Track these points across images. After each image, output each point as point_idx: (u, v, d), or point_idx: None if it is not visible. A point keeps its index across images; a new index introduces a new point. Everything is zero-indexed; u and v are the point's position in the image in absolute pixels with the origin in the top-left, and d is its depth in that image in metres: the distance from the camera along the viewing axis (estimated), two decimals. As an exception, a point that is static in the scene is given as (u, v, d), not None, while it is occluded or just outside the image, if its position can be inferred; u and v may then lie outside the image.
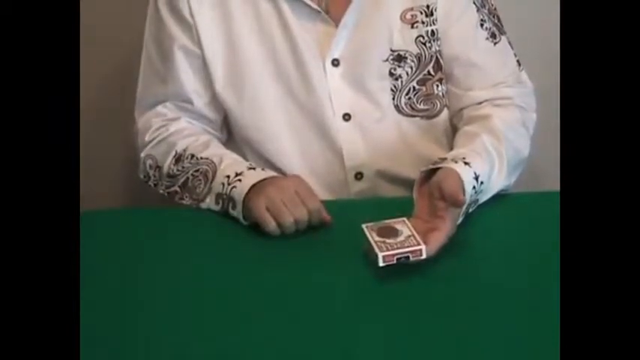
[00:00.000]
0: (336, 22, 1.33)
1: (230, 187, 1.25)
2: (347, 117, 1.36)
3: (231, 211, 1.25)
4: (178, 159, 1.34)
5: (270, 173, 1.27)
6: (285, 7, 1.32)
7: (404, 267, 1.09)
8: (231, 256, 1.18)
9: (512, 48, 1.39)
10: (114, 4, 1.81)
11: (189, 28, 1.34)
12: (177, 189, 1.34)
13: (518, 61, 1.39)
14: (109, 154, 1.90)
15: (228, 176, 1.26)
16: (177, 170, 1.34)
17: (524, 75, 1.40)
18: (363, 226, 1.13)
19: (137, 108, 1.43)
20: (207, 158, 1.31)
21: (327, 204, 1.24)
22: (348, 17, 1.32)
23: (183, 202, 1.32)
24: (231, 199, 1.24)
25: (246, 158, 1.36)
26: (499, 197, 1.25)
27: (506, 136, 1.29)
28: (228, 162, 1.30)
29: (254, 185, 1.23)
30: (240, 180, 1.24)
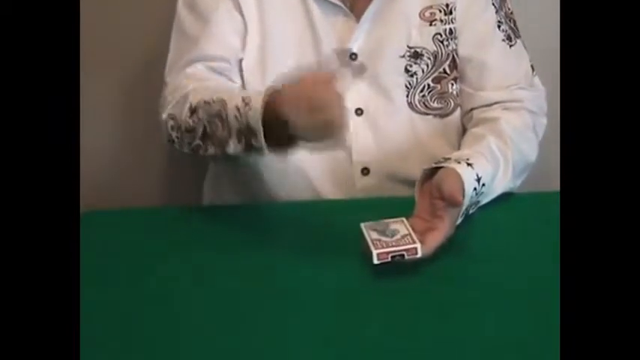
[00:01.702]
0: (358, 18, 1.34)
1: (243, 117, 1.16)
2: (359, 112, 1.36)
3: (253, 143, 1.16)
4: (193, 110, 1.27)
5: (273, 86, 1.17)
6: (311, 1, 1.33)
7: (402, 267, 1.09)
8: (232, 255, 1.18)
9: (527, 53, 1.40)
10: (124, 5, 1.81)
11: (235, 2, 1.34)
12: (199, 142, 1.27)
13: (532, 66, 1.39)
14: (109, 154, 1.90)
15: (237, 107, 1.17)
16: (193, 122, 1.27)
17: (537, 79, 1.40)
18: (362, 225, 1.13)
19: (168, 74, 1.38)
20: (216, 99, 1.23)
21: (329, 204, 1.23)
22: (369, 12, 1.33)
23: (209, 152, 1.26)
24: (249, 129, 1.15)
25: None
26: (499, 197, 1.25)
27: (514, 140, 1.29)
28: (235, 92, 1.24)
29: (266, 105, 1.13)
30: (249, 106, 1.16)
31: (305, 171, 1.35)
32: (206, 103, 1.24)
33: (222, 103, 1.21)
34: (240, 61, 1.35)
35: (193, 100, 1.27)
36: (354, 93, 1.35)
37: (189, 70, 1.34)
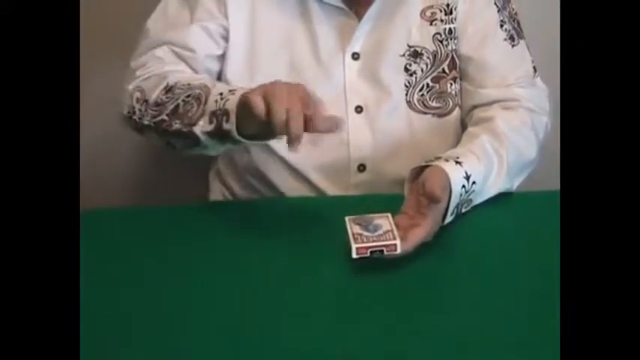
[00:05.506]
0: (359, 17, 1.34)
1: (223, 101, 1.20)
2: (359, 109, 1.36)
3: (224, 125, 1.19)
4: (169, 89, 1.30)
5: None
6: (311, 2, 1.33)
7: (401, 266, 1.09)
8: (230, 254, 1.18)
9: (530, 54, 1.40)
10: (124, 4, 1.81)
11: (220, 2, 1.34)
12: (165, 117, 1.29)
13: (534, 67, 1.40)
14: (109, 153, 1.90)
15: (221, 93, 1.22)
16: (167, 98, 1.30)
17: (539, 80, 1.40)
18: (346, 218, 1.13)
19: (142, 46, 1.40)
20: (200, 84, 1.28)
21: (322, 200, 1.23)
22: (372, 12, 1.33)
23: (171, 128, 1.27)
24: (225, 112, 1.19)
25: (247, 148, 1.38)
26: (499, 197, 1.25)
27: (510, 139, 1.28)
28: (222, 84, 1.30)
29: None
30: (233, 93, 1.20)
31: (303, 165, 1.37)
32: (187, 85, 1.28)
33: (206, 89, 1.25)
34: (208, 56, 1.36)
35: (171, 80, 1.31)
36: (355, 91, 1.36)
37: (157, 51, 1.36)
